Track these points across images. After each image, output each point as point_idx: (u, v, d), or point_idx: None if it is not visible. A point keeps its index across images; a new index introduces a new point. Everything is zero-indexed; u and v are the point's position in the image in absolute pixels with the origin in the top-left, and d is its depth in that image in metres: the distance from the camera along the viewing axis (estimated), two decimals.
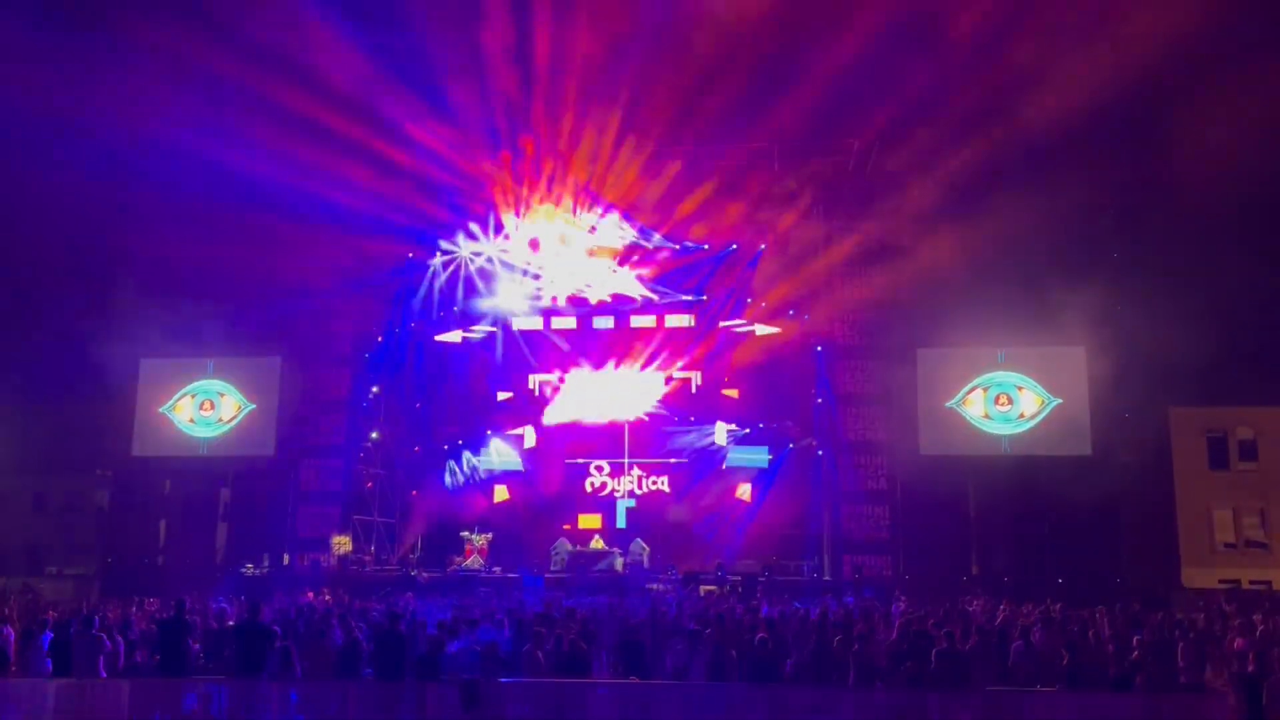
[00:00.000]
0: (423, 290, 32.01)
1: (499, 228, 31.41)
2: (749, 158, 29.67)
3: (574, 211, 30.74)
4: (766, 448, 30.49)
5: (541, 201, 30.69)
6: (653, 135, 28.19)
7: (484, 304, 32.04)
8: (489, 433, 31.92)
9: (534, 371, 31.93)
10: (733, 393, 30.98)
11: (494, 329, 32.08)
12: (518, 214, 31.05)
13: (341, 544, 30.78)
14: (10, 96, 24.25)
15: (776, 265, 30.38)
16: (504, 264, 31.80)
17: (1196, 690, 12.21)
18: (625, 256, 31.30)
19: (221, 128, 26.51)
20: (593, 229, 31.00)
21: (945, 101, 25.02)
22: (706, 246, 30.97)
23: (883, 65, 24.40)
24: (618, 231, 30.96)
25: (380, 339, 32.27)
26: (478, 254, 31.82)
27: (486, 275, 31.90)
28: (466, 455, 31.86)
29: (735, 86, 25.05)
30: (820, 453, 29.65)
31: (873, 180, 29.22)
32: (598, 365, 31.55)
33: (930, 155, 26.56)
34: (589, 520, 30.73)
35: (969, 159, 25.78)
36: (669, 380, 31.28)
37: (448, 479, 31.73)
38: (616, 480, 31.14)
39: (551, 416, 31.65)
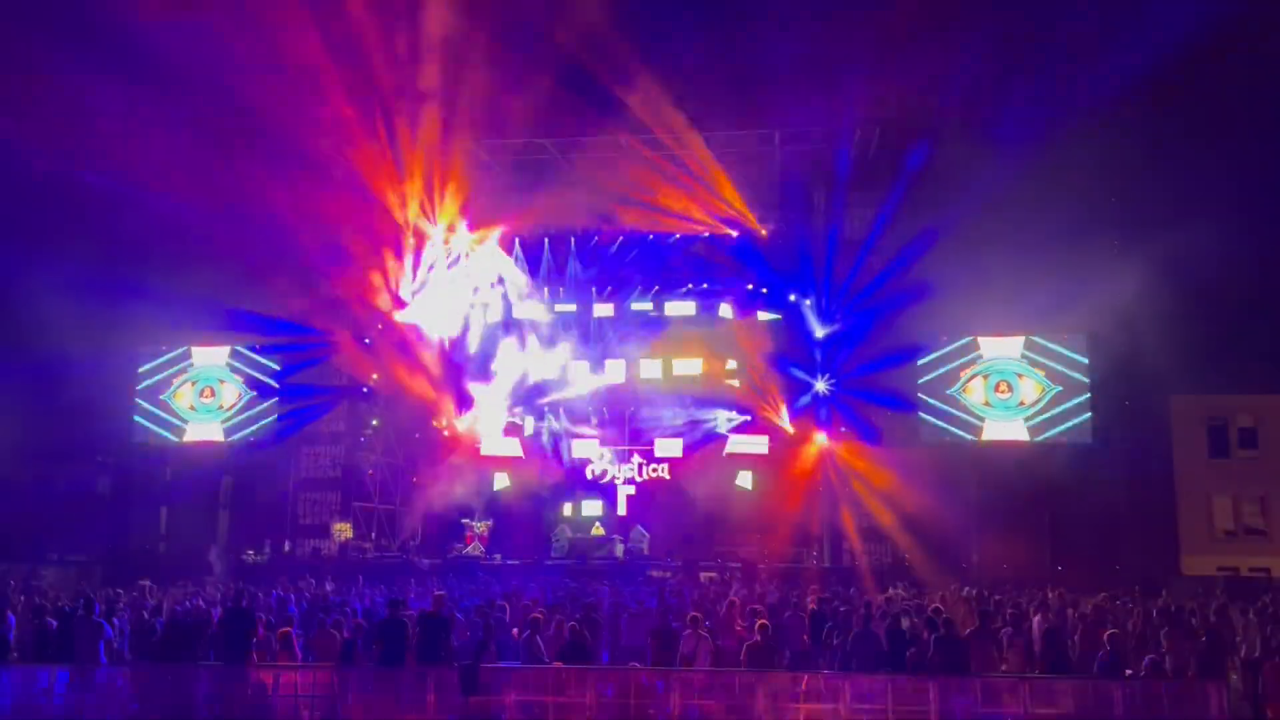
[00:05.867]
0: (421, 276, 31.93)
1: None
2: (752, 142, 29.54)
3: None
4: (767, 435, 30.47)
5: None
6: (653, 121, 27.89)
7: (484, 290, 31.98)
8: (489, 418, 31.87)
9: (534, 358, 31.85)
10: (734, 382, 30.95)
11: (495, 316, 31.99)
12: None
13: (342, 530, 30.87)
14: None
15: (776, 251, 30.29)
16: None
17: (1182, 677, 12.25)
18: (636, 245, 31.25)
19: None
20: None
21: (948, 85, 24.84)
22: (708, 234, 30.88)
23: (886, 47, 24.18)
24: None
25: (380, 325, 32.22)
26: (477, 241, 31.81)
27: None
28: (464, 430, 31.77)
29: (736, 67, 24.67)
30: (821, 439, 29.63)
31: (875, 167, 29.10)
32: (600, 355, 31.51)
33: (932, 141, 26.47)
34: (591, 506, 30.81)
35: (970, 145, 25.66)
36: (670, 370, 31.27)
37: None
38: (617, 467, 31.16)
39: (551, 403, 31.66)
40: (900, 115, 26.63)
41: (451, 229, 31.45)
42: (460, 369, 31.71)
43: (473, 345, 31.79)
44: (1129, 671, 11.75)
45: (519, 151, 29.67)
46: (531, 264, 31.88)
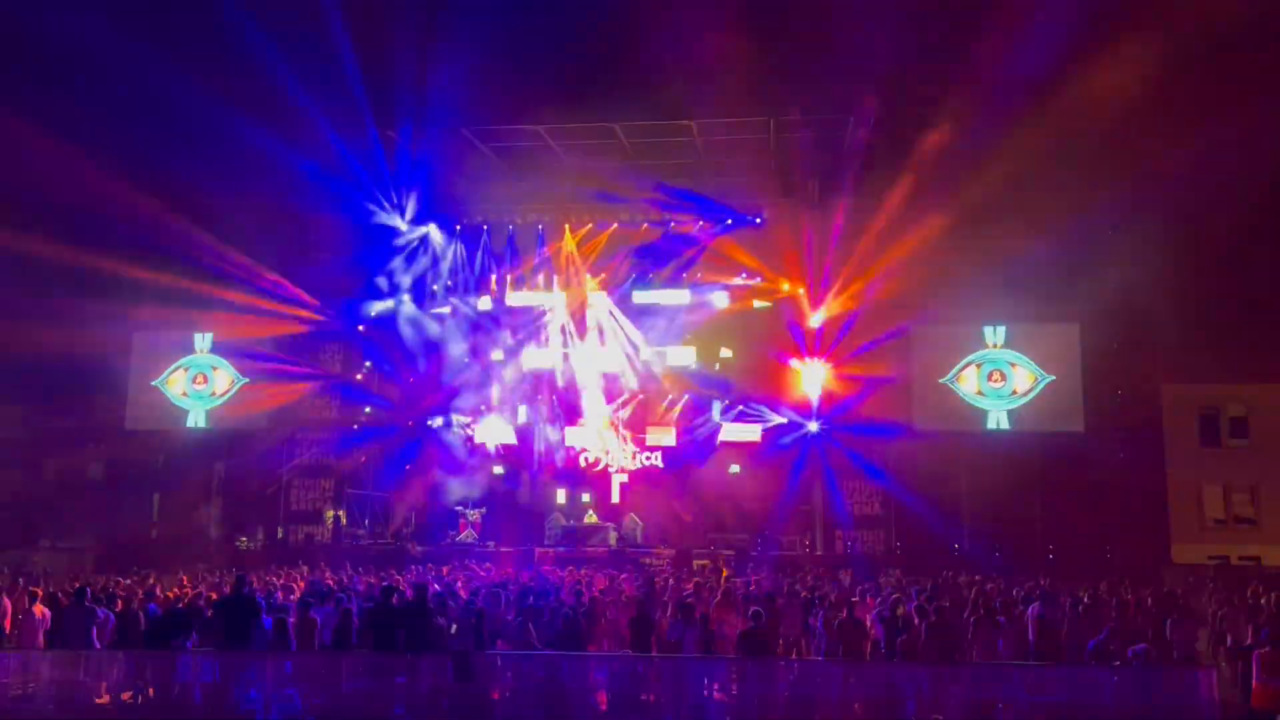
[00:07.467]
0: (418, 264, 31.88)
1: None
2: (741, 130, 29.38)
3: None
4: (760, 424, 30.47)
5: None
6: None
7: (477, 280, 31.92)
8: (483, 407, 31.84)
9: (527, 346, 31.82)
10: (728, 370, 30.94)
11: (489, 303, 31.93)
12: None
13: (332, 518, 30.86)
14: None
15: (770, 240, 30.26)
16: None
17: (1187, 664, 12.32)
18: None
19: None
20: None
21: (935, 77, 24.76)
22: (701, 224, 30.87)
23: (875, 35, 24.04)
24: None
25: (374, 313, 32.12)
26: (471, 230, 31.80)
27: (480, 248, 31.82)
28: (457, 419, 31.77)
29: (724, 55, 24.43)
30: (814, 428, 29.69)
31: (865, 153, 29.01)
32: (594, 344, 31.47)
33: (923, 130, 26.40)
34: (585, 494, 30.82)
35: (963, 132, 25.61)
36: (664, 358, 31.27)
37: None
38: (611, 455, 31.15)
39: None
40: (896, 104, 26.56)
41: (445, 220, 31.53)
42: (452, 358, 31.69)
43: (465, 335, 31.75)
44: (1116, 664, 11.80)
45: (511, 139, 29.50)
46: (524, 253, 31.82)
